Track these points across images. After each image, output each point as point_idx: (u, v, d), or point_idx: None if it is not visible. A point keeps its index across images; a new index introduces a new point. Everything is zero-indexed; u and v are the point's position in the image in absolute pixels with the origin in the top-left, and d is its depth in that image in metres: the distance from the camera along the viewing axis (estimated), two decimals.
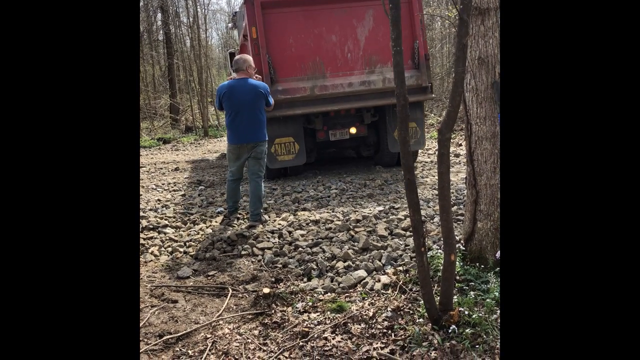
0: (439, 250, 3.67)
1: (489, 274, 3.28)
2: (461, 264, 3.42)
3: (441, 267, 3.38)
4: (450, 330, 2.75)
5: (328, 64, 6.93)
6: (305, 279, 3.81)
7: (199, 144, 15.15)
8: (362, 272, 3.70)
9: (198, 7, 19.62)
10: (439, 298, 2.87)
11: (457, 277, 3.28)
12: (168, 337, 3.01)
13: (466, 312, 2.86)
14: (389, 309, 3.12)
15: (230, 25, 11.86)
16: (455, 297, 2.97)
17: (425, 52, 7.05)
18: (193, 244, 4.74)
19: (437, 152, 2.86)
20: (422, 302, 3.09)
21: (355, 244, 4.29)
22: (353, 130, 7.49)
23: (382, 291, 3.42)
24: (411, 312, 3.07)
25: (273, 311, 3.27)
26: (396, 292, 3.35)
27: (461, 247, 3.51)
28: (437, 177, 6.75)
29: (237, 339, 2.97)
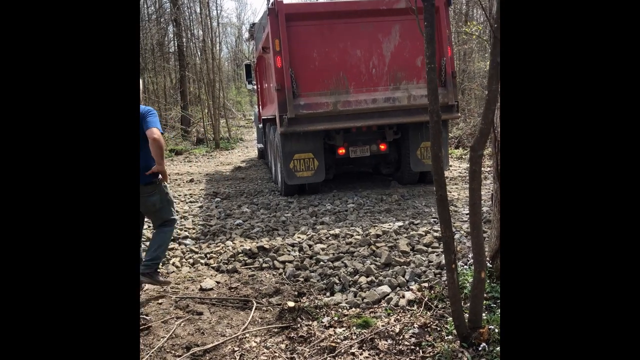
0: (464, 267, 3.66)
1: None
2: (488, 281, 3.41)
3: (467, 284, 3.38)
4: (480, 348, 2.73)
5: (352, 79, 6.82)
6: (328, 294, 3.81)
7: (211, 155, 15.22)
8: (385, 288, 3.70)
9: (210, 20, 19.82)
10: (467, 315, 2.86)
11: (485, 295, 3.26)
12: (195, 349, 3.01)
13: (495, 330, 2.84)
14: (415, 325, 3.11)
15: (246, 36, 11.86)
16: (483, 314, 2.96)
17: (453, 69, 6.94)
18: (214, 255, 4.75)
19: (468, 169, 2.87)
20: (449, 319, 3.08)
21: (377, 259, 4.28)
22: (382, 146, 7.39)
23: (407, 307, 3.41)
24: (438, 329, 3.05)
25: (299, 325, 3.26)
26: (421, 309, 3.34)
27: (488, 264, 3.50)
28: (455, 193, 6.77)
29: (264, 353, 2.96)
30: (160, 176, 3.66)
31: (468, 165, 8.97)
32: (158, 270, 3.64)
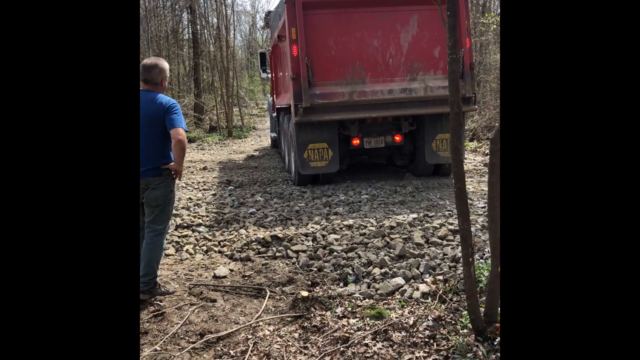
0: (480, 261, 3.63)
1: None
2: None
3: (482, 278, 3.36)
4: (495, 343, 2.71)
5: (368, 69, 6.75)
6: (341, 284, 3.80)
7: (224, 144, 15.24)
8: (399, 280, 3.68)
9: (225, 7, 19.77)
10: (482, 309, 2.84)
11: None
12: (209, 336, 3.02)
13: None
14: (429, 318, 3.09)
15: (261, 24, 11.86)
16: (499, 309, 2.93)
17: (471, 61, 6.85)
18: (227, 243, 4.77)
19: (487, 162, 2.84)
20: (464, 312, 3.06)
21: (391, 250, 4.26)
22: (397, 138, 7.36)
23: (421, 300, 3.39)
24: (453, 322, 3.03)
25: (312, 315, 3.26)
26: (436, 302, 3.32)
27: None
28: (470, 186, 6.72)
29: (277, 341, 2.97)
30: (173, 172, 3.56)
31: (483, 158, 8.91)
32: (156, 283, 3.57)
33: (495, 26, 11.76)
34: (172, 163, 3.53)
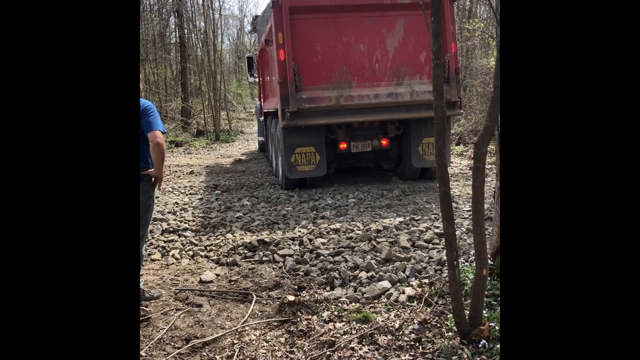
0: (465, 264, 3.66)
1: None
2: (489, 279, 3.40)
3: (467, 281, 3.38)
4: (480, 345, 2.73)
5: (355, 74, 6.79)
6: (328, 288, 3.80)
7: (211, 148, 15.19)
8: (386, 283, 3.69)
9: (212, 11, 19.74)
10: (467, 312, 2.86)
11: (485, 292, 3.26)
12: (195, 341, 3.01)
13: (496, 327, 2.84)
14: (415, 321, 3.11)
15: (249, 28, 11.86)
16: (483, 312, 2.96)
17: (456, 65, 6.91)
18: (214, 248, 4.75)
19: (472, 166, 2.86)
20: (449, 315, 3.08)
21: (378, 254, 4.28)
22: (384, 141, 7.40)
23: (407, 303, 3.40)
24: (439, 325, 3.05)
25: (298, 319, 3.26)
26: (422, 305, 3.33)
27: (489, 262, 3.49)
28: (456, 189, 6.76)
29: (263, 346, 2.96)
30: (152, 178, 3.43)
31: (469, 162, 8.98)
32: (143, 291, 3.54)
33: (480, 32, 11.86)
34: (152, 169, 3.41)
